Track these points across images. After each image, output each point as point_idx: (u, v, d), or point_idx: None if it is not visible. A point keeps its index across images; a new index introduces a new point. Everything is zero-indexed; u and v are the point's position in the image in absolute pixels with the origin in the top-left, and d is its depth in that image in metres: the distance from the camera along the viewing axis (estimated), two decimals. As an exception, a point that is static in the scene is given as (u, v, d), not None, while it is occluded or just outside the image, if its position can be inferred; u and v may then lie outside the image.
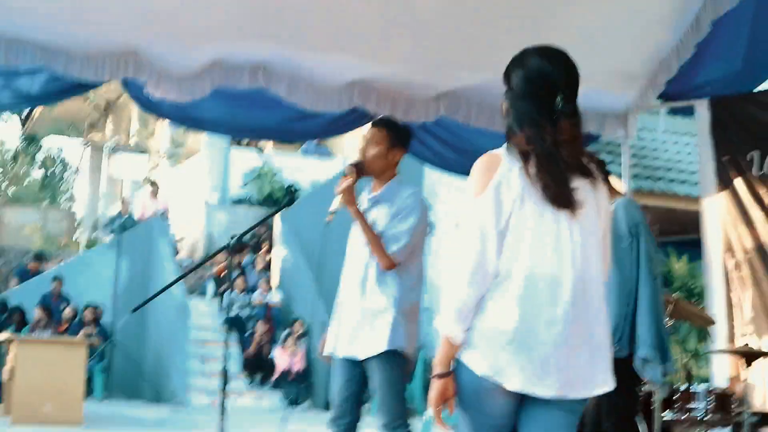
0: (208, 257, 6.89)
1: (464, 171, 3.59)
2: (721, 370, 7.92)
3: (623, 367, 5.69)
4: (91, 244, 25.43)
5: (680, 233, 14.95)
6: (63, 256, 23.71)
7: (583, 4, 7.36)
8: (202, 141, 24.53)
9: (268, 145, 25.95)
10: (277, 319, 19.88)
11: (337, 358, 5.63)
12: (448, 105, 7.99)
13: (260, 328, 19.04)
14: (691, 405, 6.74)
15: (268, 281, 20.59)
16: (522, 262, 3.46)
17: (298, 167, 25.52)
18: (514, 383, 3.42)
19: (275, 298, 20.21)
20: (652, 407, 6.38)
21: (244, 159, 25.31)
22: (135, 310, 7.70)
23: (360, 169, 5.66)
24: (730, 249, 7.93)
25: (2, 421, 12.50)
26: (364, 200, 5.74)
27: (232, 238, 5.88)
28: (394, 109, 7.75)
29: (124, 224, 21.23)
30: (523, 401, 3.51)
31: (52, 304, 18.20)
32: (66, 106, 26.31)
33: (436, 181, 17.88)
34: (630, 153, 8.87)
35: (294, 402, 18.01)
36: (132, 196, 25.87)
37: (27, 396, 12.30)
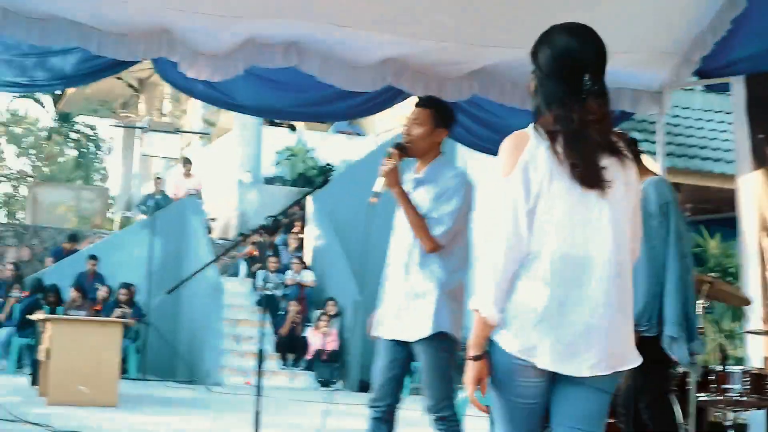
0: (245, 236, 6.89)
1: (498, 151, 3.56)
2: (757, 351, 7.86)
3: (653, 346, 5.69)
4: (124, 223, 25.57)
5: (715, 212, 14.89)
6: (97, 235, 23.83)
7: (618, -18, 7.28)
8: (234, 120, 24.56)
9: (300, 124, 25.96)
10: (310, 299, 19.90)
11: (383, 340, 5.61)
12: (481, 83, 7.94)
13: (293, 308, 19.07)
14: (726, 386, 6.69)
15: (300, 261, 20.59)
16: (551, 242, 3.45)
17: (329, 146, 25.52)
18: (545, 362, 3.43)
19: (308, 277, 20.21)
20: (687, 388, 6.35)
21: (277, 137, 25.34)
22: (170, 291, 7.72)
23: (403, 150, 5.60)
24: (765, 228, 7.86)
25: (38, 401, 12.58)
26: (407, 181, 5.67)
27: (268, 218, 5.87)
28: (428, 87, 7.70)
29: (157, 203, 21.35)
30: (555, 380, 3.52)
31: (86, 284, 18.29)
32: (98, 85, 26.38)
33: (469, 160, 17.83)
34: (664, 131, 8.80)
35: (326, 383, 18.04)
36: (165, 175, 25.96)
37: (62, 377, 12.34)
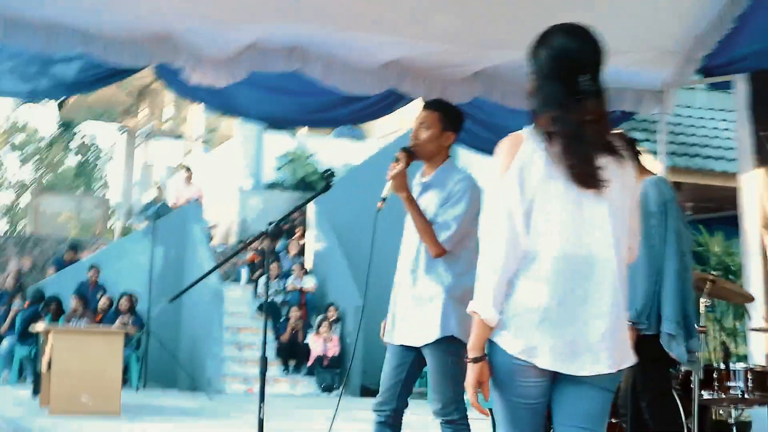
0: (247, 243, 6.81)
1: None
2: (759, 348, 7.86)
3: (652, 344, 5.69)
4: (126, 231, 25.58)
5: (716, 210, 14.87)
6: (98, 243, 23.82)
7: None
8: (235, 126, 24.55)
9: (302, 128, 25.97)
10: (311, 305, 19.88)
11: (391, 344, 5.59)
12: (483, 85, 7.93)
13: (294, 313, 19.02)
14: (730, 383, 6.69)
15: (302, 266, 20.57)
16: (549, 242, 3.47)
17: (331, 150, 25.50)
18: (546, 361, 3.44)
19: (309, 283, 20.19)
20: (690, 386, 6.33)
21: (278, 142, 25.34)
22: (172, 300, 7.68)
23: (411, 154, 5.56)
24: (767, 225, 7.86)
25: (41, 411, 12.56)
26: (414, 186, 5.63)
27: (270, 224, 5.83)
28: (430, 90, 7.70)
29: (158, 211, 21.31)
30: (556, 380, 3.53)
31: (88, 293, 18.27)
32: (100, 92, 26.39)
33: (470, 162, 17.81)
34: (666, 130, 8.76)
35: (328, 388, 18.01)
36: (166, 182, 25.96)
37: (65, 387, 12.33)
